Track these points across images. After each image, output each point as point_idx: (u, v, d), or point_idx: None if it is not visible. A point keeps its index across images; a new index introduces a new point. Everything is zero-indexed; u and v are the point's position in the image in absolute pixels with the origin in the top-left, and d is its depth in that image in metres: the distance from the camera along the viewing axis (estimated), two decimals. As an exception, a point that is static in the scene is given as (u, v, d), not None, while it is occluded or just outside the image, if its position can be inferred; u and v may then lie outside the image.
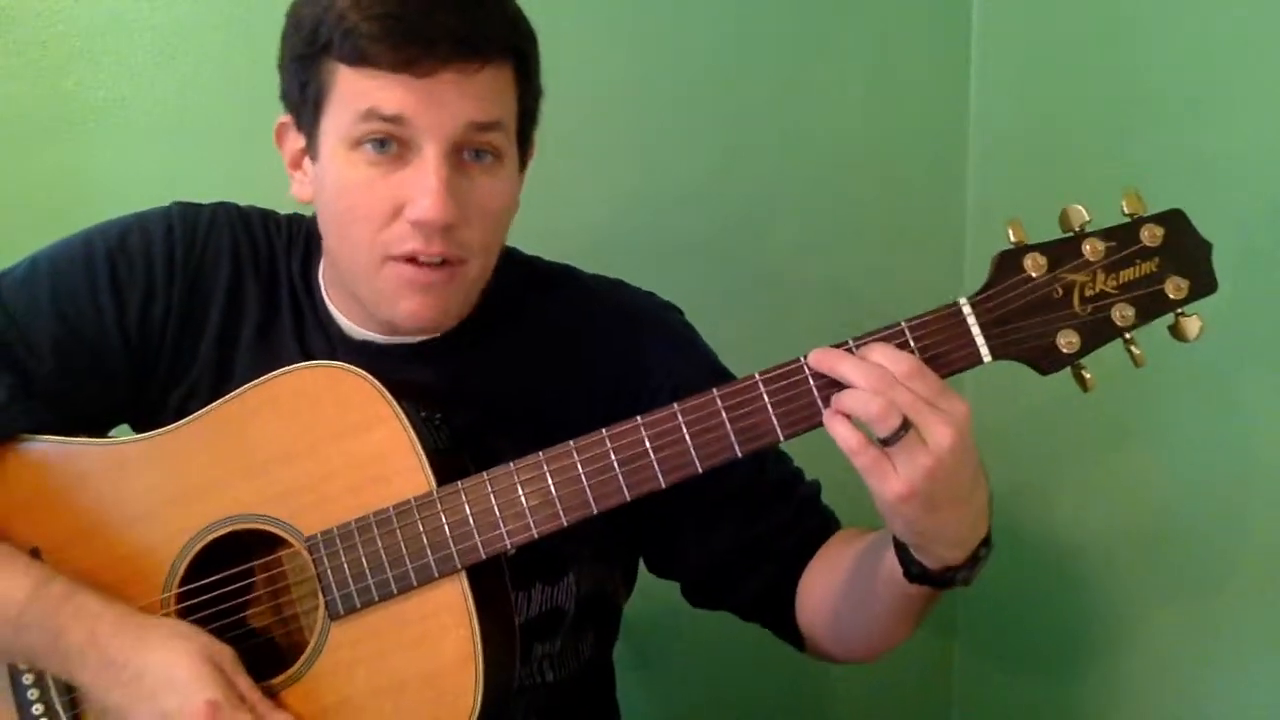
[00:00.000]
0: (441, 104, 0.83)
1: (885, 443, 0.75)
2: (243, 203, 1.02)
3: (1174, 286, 0.81)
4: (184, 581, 0.87)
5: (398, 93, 0.83)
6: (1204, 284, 0.81)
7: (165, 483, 0.88)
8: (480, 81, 0.84)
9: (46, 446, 0.90)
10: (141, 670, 0.82)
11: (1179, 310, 0.81)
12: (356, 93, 0.84)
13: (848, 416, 0.77)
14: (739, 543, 0.98)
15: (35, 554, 0.89)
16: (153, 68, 1.26)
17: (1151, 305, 0.81)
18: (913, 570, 0.83)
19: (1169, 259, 0.81)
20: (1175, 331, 0.82)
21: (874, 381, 0.76)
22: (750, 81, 1.42)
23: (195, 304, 0.96)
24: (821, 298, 1.46)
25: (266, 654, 0.89)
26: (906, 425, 0.74)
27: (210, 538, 0.87)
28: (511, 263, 1.01)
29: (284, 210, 1.02)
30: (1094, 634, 1.26)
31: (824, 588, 0.96)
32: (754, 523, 0.98)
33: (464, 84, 0.84)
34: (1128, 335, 0.81)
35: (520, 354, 0.98)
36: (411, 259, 0.86)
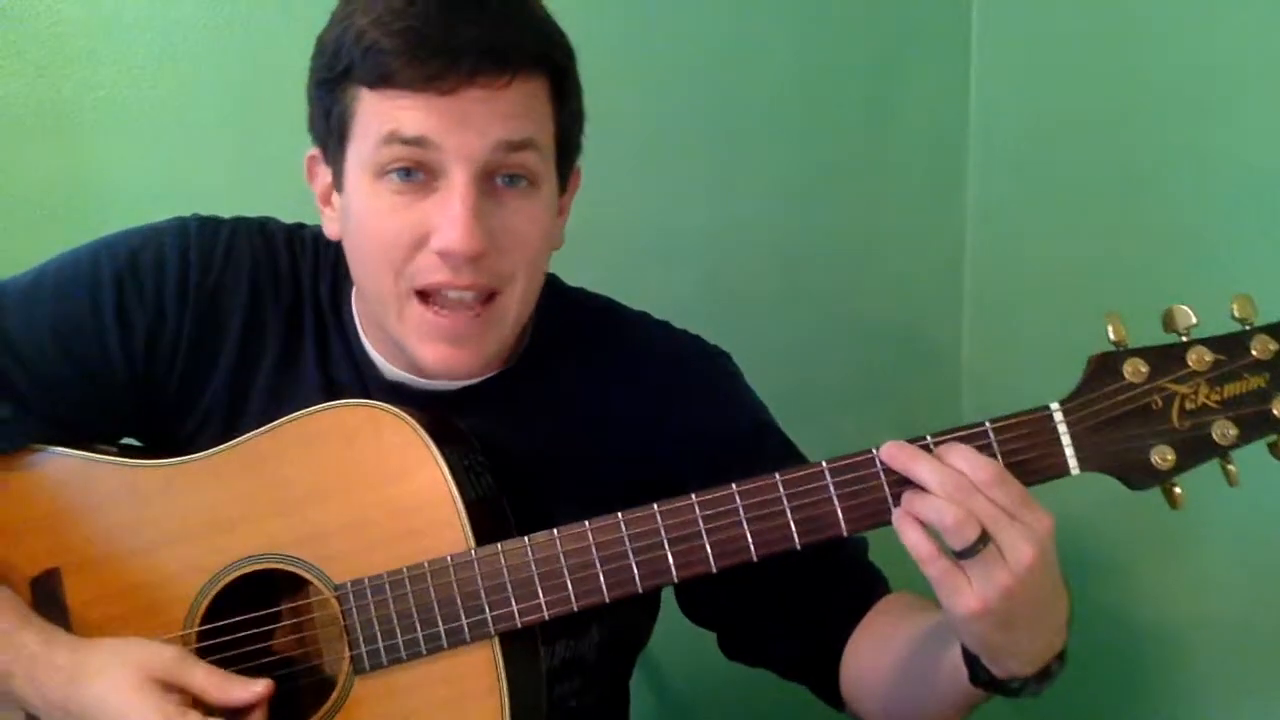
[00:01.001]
0: (468, 123, 0.78)
1: (960, 555, 0.70)
2: (243, 204, 0.97)
3: (1282, 406, 0.75)
4: (205, 617, 0.83)
5: (420, 113, 0.77)
6: (1315, 406, 0.75)
7: (191, 513, 0.84)
8: (509, 97, 0.79)
9: (68, 461, 0.87)
10: (84, 709, 0.78)
11: (1284, 430, 0.76)
12: (379, 115, 0.79)
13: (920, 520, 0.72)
14: (778, 598, 0.94)
15: (54, 573, 0.86)
16: (153, 68, 1.25)
17: (1256, 425, 0.75)
18: (980, 677, 0.78)
19: (1278, 375, 0.75)
20: (1276, 451, 0.77)
21: (951, 488, 0.71)
22: (750, 82, 1.39)
23: (208, 331, 0.89)
24: (821, 298, 1.43)
25: (287, 699, 0.85)
26: (985, 539, 0.69)
27: (235, 574, 0.83)
28: (556, 299, 0.96)
29: (282, 213, 0.97)
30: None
31: (876, 663, 0.91)
32: (794, 578, 0.93)
33: (492, 100, 0.78)
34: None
35: (561, 403, 0.93)
36: (434, 298, 0.81)
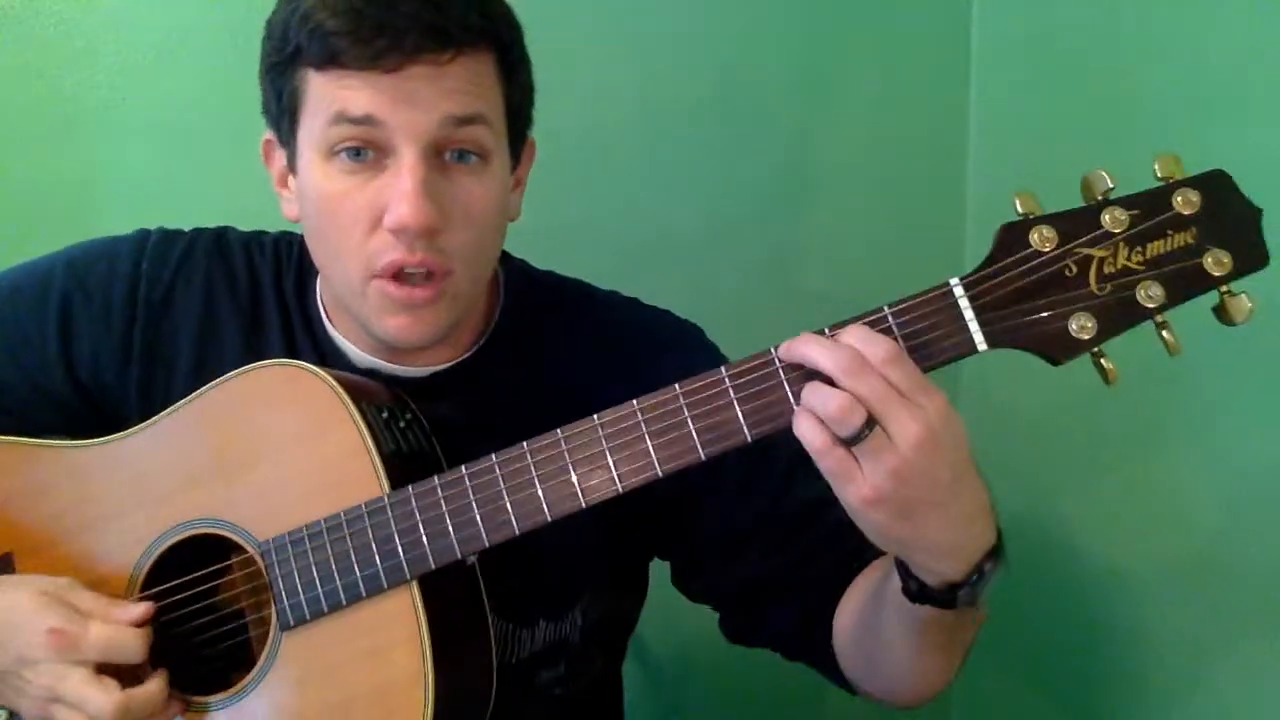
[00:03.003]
0: (414, 101, 0.77)
1: (849, 442, 0.66)
2: (242, 203, 0.99)
3: (1214, 261, 0.69)
4: (145, 587, 0.84)
5: (366, 92, 0.77)
6: (1251, 257, 0.69)
7: (127, 486, 0.86)
8: (454, 72, 0.78)
9: (12, 449, 0.89)
10: None
11: (1223, 289, 0.70)
12: (326, 96, 0.79)
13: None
14: (767, 571, 0.91)
15: (8, 558, 0.88)
16: (153, 68, 1.24)
17: (1186, 283, 0.69)
18: (912, 586, 0.73)
19: (1208, 229, 0.70)
20: (1221, 313, 0.71)
21: (845, 363, 0.67)
22: (750, 81, 1.38)
23: (161, 341, 0.91)
24: (820, 298, 1.41)
25: (233, 662, 0.85)
26: (871, 424, 0.66)
27: (169, 543, 0.84)
28: (524, 281, 0.95)
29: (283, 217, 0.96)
30: (1102, 647, 1.17)
31: (848, 615, 0.87)
32: (781, 549, 0.90)
33: (437, 76, 0.78)
34: (1158, 318, 0.70)
35: (536, 383, 0.92)
36: (397, 274, 0.81)
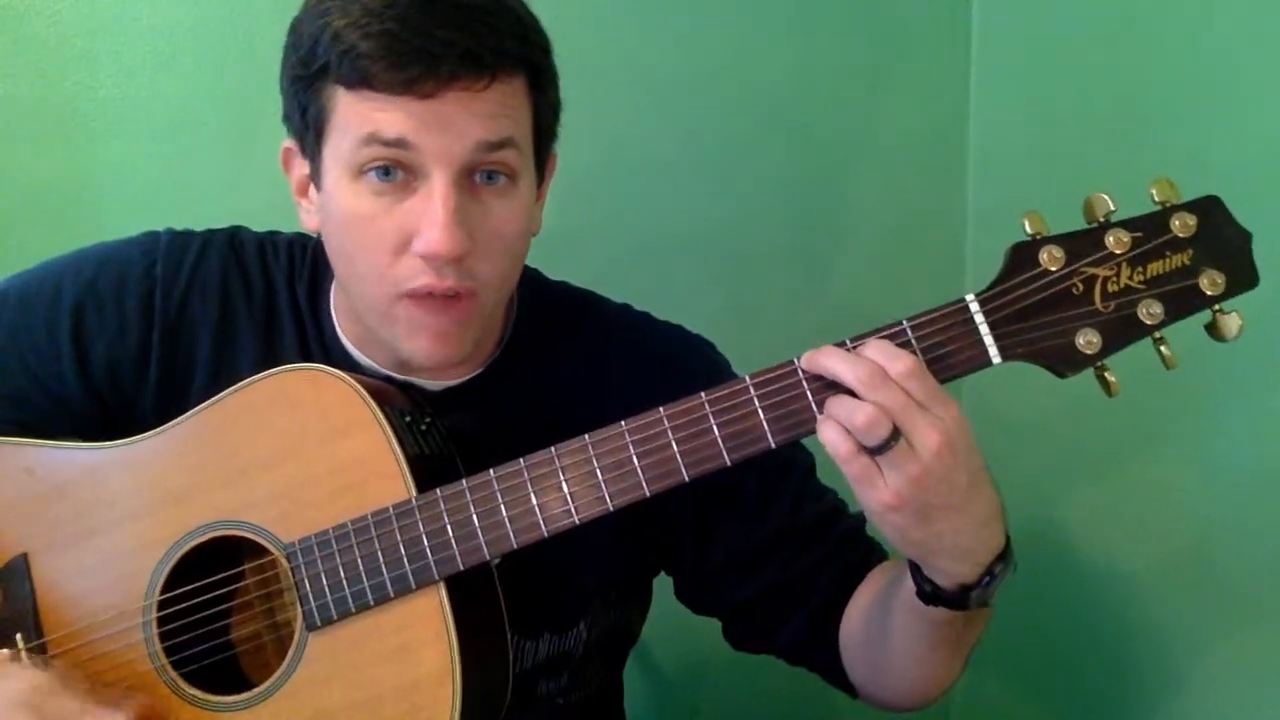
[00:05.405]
0: (447, 126, 0.77)
1: (874, 451, 0.70)
2: (242, 204, 0.99)
3: (1209, 281, 0.74)
4: (166, 589, 0.85)
5: (399, 116, 0.77)
6: (1243, 278, 0.74)
7: (146, 488, 0.86)
8: (488, 98, 0.78)
9: (32, 449, 0.89)
10: None
11: (1215, 307, 0.74)
12: (357, 117, 0.78)
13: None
14: (777, 585, 0.94)
15: (23, 558, 0.88)
16: (153, 68, 1.24)
17: (1183, 301, 0.74)
18: (925, 588, 0.77)
19: (1203, 251, 0.74)
20: (1213, 330, 0.75)
21: (865, 376, 0.71)
22: (750, 81, 1.39)
23: (179, 347, 0.91)
24: (821, 299, 1.43)
25: (254, 662, 0.86)
26: (896, 434, 0.69)
27: (191, 544, 0.84)
28: (537, 293, 0.96)
29: (284, 216, 0.96)
30: (1101, 649, 1.21)
31: (856, 620, 0.91)
32: (794, 563, 0.93)
33: (471, 102, 0.77)
34: (1157, 334, 0.74)
35: (547, 398, 0.93)
36: (425, 295, 0.81)
